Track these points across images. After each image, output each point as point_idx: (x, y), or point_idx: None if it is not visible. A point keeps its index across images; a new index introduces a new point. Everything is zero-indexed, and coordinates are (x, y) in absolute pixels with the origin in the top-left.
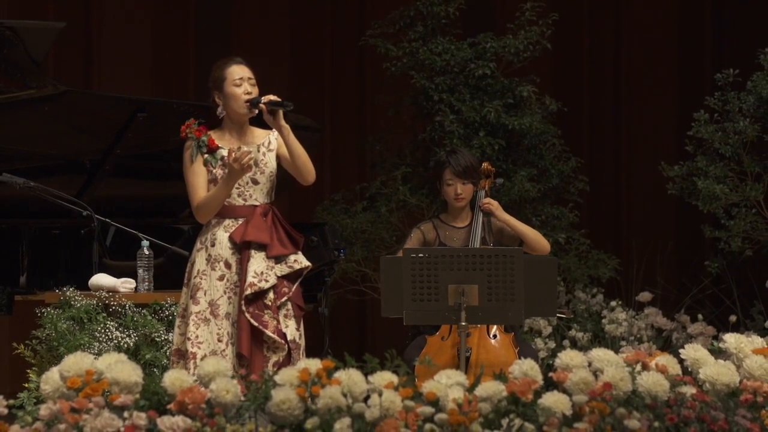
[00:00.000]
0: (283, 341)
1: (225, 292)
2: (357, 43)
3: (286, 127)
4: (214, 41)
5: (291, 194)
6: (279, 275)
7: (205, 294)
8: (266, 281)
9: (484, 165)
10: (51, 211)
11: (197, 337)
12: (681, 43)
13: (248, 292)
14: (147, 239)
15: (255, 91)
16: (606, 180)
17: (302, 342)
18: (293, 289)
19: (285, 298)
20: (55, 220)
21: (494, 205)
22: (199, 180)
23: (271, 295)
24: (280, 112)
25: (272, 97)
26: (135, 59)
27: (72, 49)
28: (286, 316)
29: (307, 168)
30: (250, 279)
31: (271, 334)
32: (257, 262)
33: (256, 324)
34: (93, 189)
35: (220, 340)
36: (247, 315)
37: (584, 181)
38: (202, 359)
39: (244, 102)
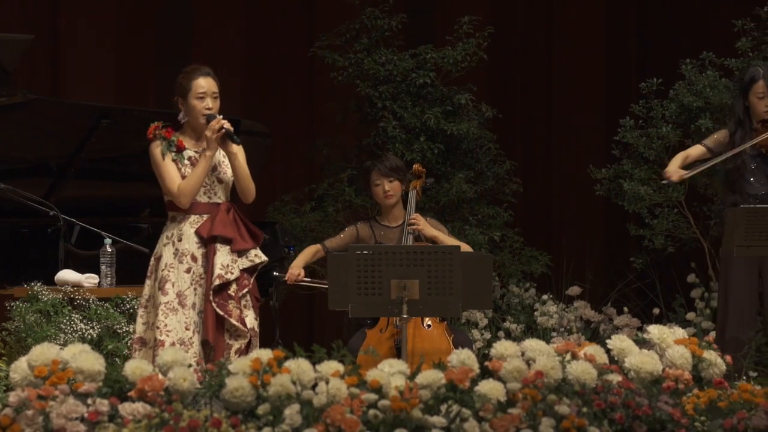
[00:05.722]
0: (245, 329)
1: (191, 284)
2: (306, 55)
3: (234, 152)
4: (173, 53)
5: None
6: (241, 268)
7: (173, 285)
8: (231, 273)
9: (415, 166)
10: (20, 211)
11: (166, 325)
12: (608, 54)
13: (216, 282)
14: (109, 237)
15: (216, 105)
16: (538, 182)
17: (258, 330)
18: (251, 282)
19: (246, 290)
20: (24, 220)
21: (420, 223)
22: (172, 171)
23: (234, 286)
24: (228, 141)
25: (226, 125)
26: (99, 69)
27: (40, 60)
28: (245, 306)
29: (248, 189)
30: (218, 271)
31: (234, 322)
32: (223, 255)
33: (221, 313)
34: (59, 190)
35: (187, 329)
36: (214, 304)
37: (518, 182)
38: (170, 346)
39: (202, 116)
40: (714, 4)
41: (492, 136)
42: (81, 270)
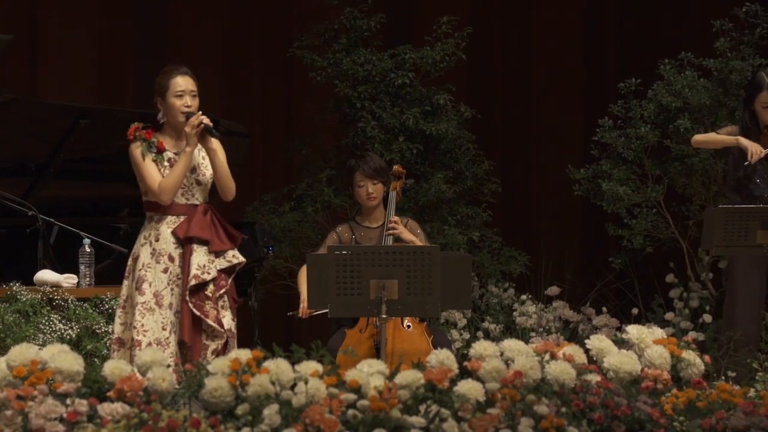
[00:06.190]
0: (222, 330)
1: (168, 284)
2: (285, 55)
3: (213, 149)
4: (152, 53)
5: None
6: (218, 269)
7: (150, 285)
8: (208, 273)
9: (395, 167)
10: None
11: (143, 325)
12: (587, 54)
13: (193, 283)
14: (88, 237)
15: (195, 104)
16: (517, 182)
17: (235, 331)
18: (229, 282)
19: (223, 291)
20: (2, 220)
21: (399, 227)
22: (153, 170)
23: (211, 287)
24: (208, 137)
25: (205, 121)
26: (78, 69)
27: (19, 60)
28: (222, 307)
29: (228, 186)
30: (194, 271)
31: (211, 323)
32: (200, 255)
33: (198, 313)
34: (38, 190)
35: (164, 329)
36: (190, 305)
37: (496, 182)
38: (147, 347)
39: (181, 113)
40: (692, 5)
41: (471, 136)
42: (59, 270)
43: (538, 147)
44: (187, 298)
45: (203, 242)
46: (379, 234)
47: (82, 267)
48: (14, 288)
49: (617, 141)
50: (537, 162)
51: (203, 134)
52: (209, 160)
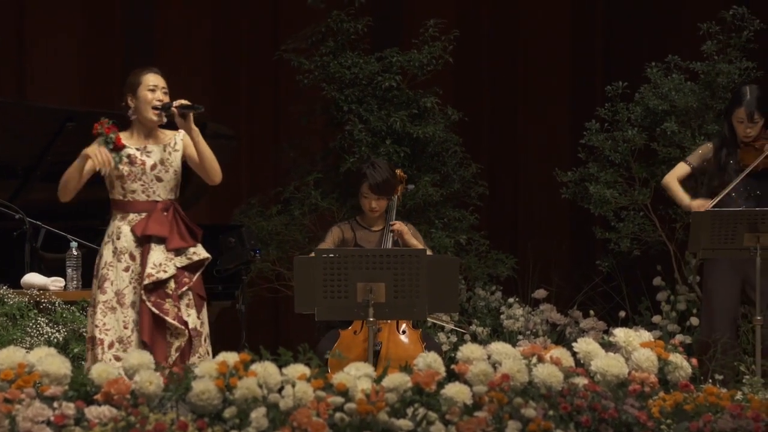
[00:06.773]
0: (183, 327)
1: (130, 282)
2: (272, 58)
3: (195, 129)
4: (139, 57)
5: (210, 198)
6: (178, 266)
7: (111, 284)
8: (164, 272)
9: (397, 172)
10: None
11: (104, 324)
12: (574, 58)
13: (147, 282)
14: (75, 240)
15: (166, 100)
16: (504, 185)
17: (204, 330)
18: (194, 280)
19: (186, 288)
20: None
21: (403, 230)
22: (76, 162)
23: (171, 284)
24: (191, 116)
25: (184, 102)
26: (65, 72)
27: (5, 62)
28: (188, 305)
29: (213, 169)
30: (149, 270)
31: (172, 321)
32: (156, 254)
33: (157, 312)
34: (25, 193)
35: (126, 327)
36: (149, 303)
37: (484, 185)
38: (109, 346)
39: (152, 107)
40: (679, 7)
41: (458, 139)
42: (47, 273)
43: (525, 150)
44: (144, 298)
45: (161, 240)
46: (379, 237)
47: (69, 270)
48: (1, 291)
49: (604, 144)
50: (524, 165)
51: (183, 114)
52: (192, 141)
